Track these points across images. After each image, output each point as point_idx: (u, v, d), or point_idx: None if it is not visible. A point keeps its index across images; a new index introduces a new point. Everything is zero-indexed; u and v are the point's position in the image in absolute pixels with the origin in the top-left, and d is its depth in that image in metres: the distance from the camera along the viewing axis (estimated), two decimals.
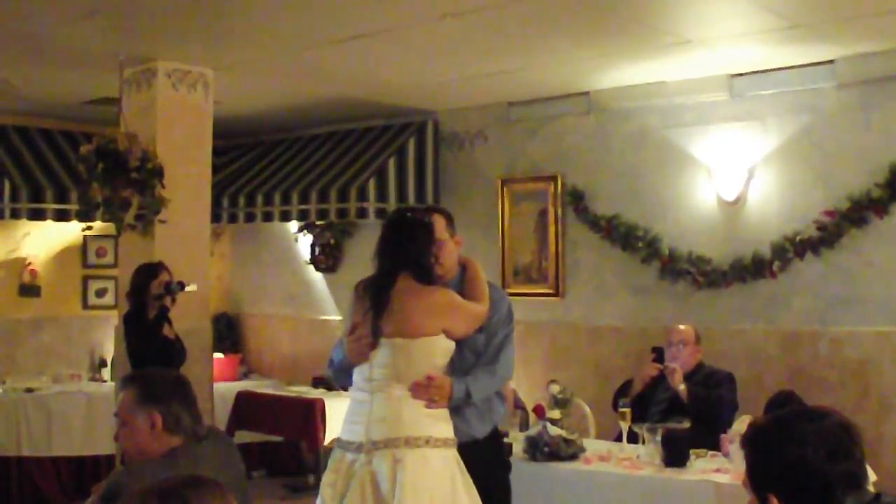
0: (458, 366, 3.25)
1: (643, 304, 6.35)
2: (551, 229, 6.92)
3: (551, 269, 6.93)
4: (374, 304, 3.15)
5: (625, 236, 6.53)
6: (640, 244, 6.41)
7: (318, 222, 7.84)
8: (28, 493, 6.71)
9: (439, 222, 3.37)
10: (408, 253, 3.18)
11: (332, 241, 8.31)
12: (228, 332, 8.74)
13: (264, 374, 8.46)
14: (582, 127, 6.62)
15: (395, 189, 7.10)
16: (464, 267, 3.41)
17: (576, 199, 6.76)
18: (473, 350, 3.32)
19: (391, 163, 7.06)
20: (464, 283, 3.33)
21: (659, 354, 5.06)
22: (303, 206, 7.19)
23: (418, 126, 7.11)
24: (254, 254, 8.82)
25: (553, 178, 6.91)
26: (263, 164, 7.91)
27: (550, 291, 6.95)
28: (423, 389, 3.10)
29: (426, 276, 3.20)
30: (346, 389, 3.28)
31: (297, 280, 8.54)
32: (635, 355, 6.03)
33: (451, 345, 3.20)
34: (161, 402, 2.54)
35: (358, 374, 3.18)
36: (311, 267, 8.38)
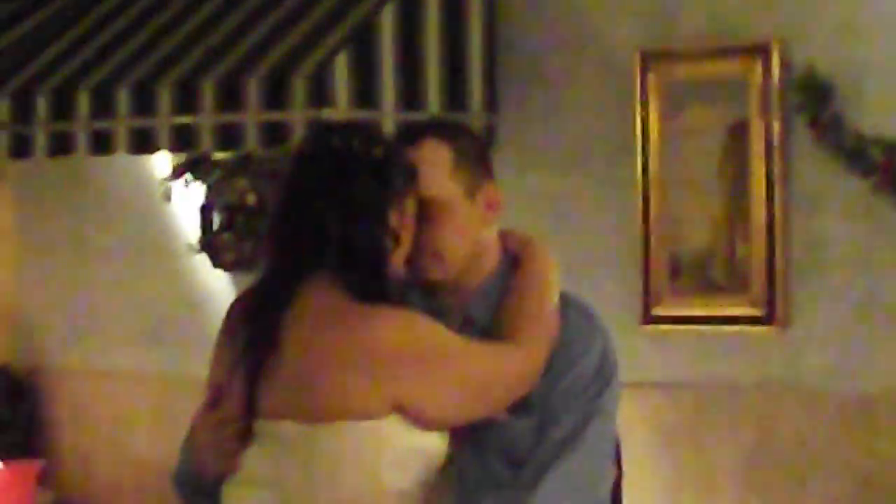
0: (470, 488, 2.81)
1: None
2: (757, 168, 5.68)
3: (757, 261, 5.68)
4: (250, 344, 2.69)
5: None
6: None
7: (219, 156, 6.96)
8: None
9: (434, 157, 2.79)
10: (326, 228, 2.65)
11: (249, 199, 7.06)
12: (12, 412, 7.88)
13: None
14: None
15: (395, 78, 5.90)
16: (515, 258, 2.90)
17: (816, 101, 5.51)
18: (507, 451, 2.77)
19: (386, 17, 5.93)
20: (506, 297, 2.83)
21: None
22: (184, 118, 6.15)
23: None
24: (69, 230, 7.80)
25: (761, 50, 5.69)
26: (91, 21, 6.88)
27: (756, 314, 5.69)
28: None
29: (369, 278, 2.68)
30: None
31: (172, 290, 7.45)
32: None
33: (424, 441, 2.70)
34: None
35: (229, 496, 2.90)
36: (205, 258, 7.19)
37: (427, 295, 2.88)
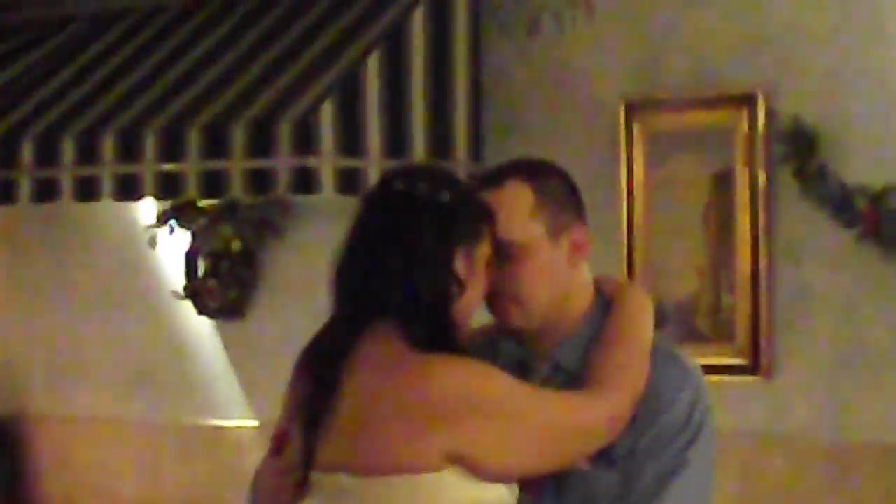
0: None
1: None
2: (742, 218, 5.71)
3: (742, 310, 5.69)
4: (312, 393, 2.68)
5: None
6: None
7: (204, 203, 6.93)
8: None
9: (514, 198, 2.71)
10: (387, 274, 2.62)
11: (234, 246, 7.00)
12: None
13: None
14: None
15: (380, 125, 5.85)
16: (609, 304, 2.83)
17: (801, 151, 5.50)
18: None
19: (372, 65, 5.91)
20: (595, 343, 2.76)
21: None
22: (170, 166, 6.11)
23: None
24: (53, 276, 7.75)
25: (747, 100, 5.69)
26: (76, 67, 6.87)
27: (741, 363, 5.68)
28: None
29: (430, 327, 2.60)
30: None
31: (156, 336, 7.36)
32: None
33: (486, 494, 2.61)
34: None
35: None
36: (189, 305, 7.17)
37: (520, 342, 2.83)
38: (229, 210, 6.92)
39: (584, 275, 2.79)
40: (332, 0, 6.33)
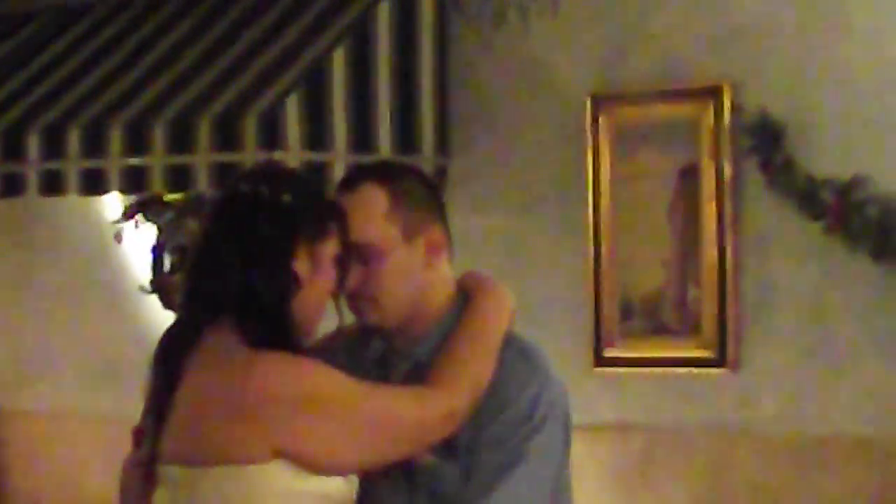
0: None
1: None
2: (708, 211, 5.72)
3: (708, 303, 5.71)
4: (157, 388, 2.76)
5: (879, 229, 5.33)
6: None
7: (170, 197, 6.85)
8: None
9: (368, 201, 2.78)
10: (226, 273, 2.66)
11: None
12: None
13: None
14: None
15: (346, 119, 5.85)
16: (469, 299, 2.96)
17: (766, 143, 5.52)
18: (436, 494, 2.74)
19: (337, 59, 5.89)
20: (447, 339, 2.83)
21: None
22: (136, 160, 6.09)
23: None
24: (19, 270, 7.73)
25: (713, 93, 5.72)
26: (42, 62, 6.83)
27: (708, 356, 5.69)
28: None
29: (264, 324, 2.66)
30: None
31: (123, 330, 7.26)
32: None
33: (317, 486, 2.65)
34: None
35: None
36: (155, 299, 7.08)
37: (384, 339, 2.84)
38: (195, 204, 6.84)
39: (442, 273, 2.82)
40: None
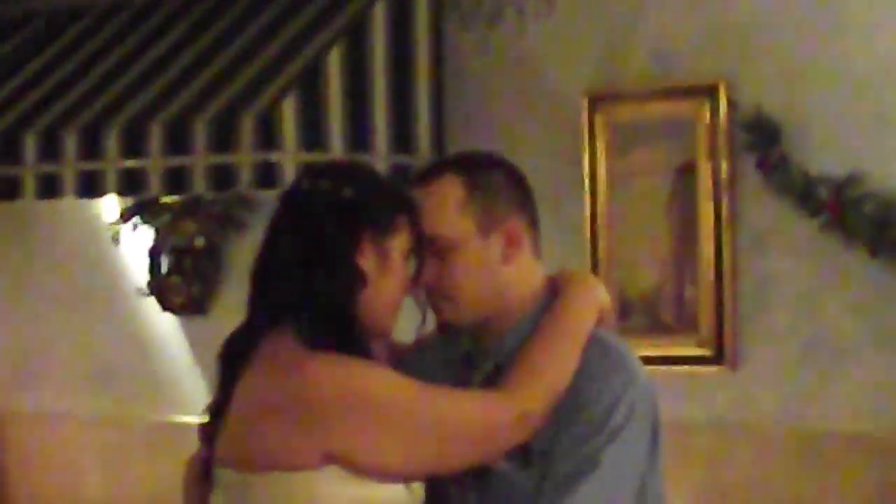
0: None
1: None
2: (705, 209, 5.70)
3: (705, 301, 5.69)
4: (216, 394, 2.77)
5: (875, 225, 5.30)
6: None
7: (167, 199, 6.90)
8: None
9: (443, 193, 2.68)
10: (288, 272, 2.63)
11: (198, 242, 7.02)
12: None
13: None
14: None
15: (342, 120, 5.83)
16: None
17: (762, 140, 5.51)
18: (509, 502, 2.68)
19: (333, 59, 5.88)
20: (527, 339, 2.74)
21: None
22: (133, 162, 6.08)
23: None
24: (16, 273, 7.75)
25: (709, 91, 5.68)
26: (37, 65, 6.79)
27: (705, 354, 5.69)
28: None
29: (321, 324, 2.60)
30: None
31: (121, 333, 7.32)
32: None
33: (370, 493, 2.60)
34: None
35: None
36: (153, 302, 7.16)
37: (471, 338, 2.76)
38: (193, 206, 6.92)
39: (525, 269, 2.69)
40: None
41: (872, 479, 5.20)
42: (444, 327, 2.73)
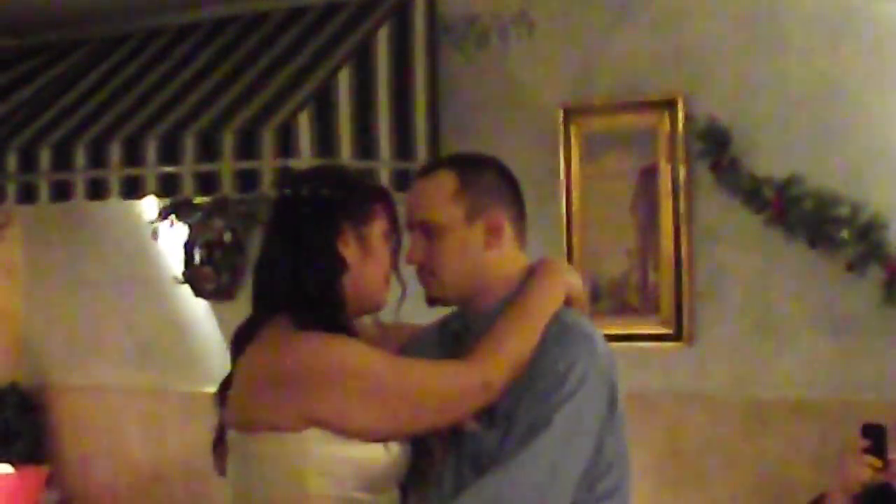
0: (445, 495, 2.72)
1: (850, 354, 5.44)
2: (665, 206, 5.87)
3: (666, 286, 5.86)
4: (228, 370, 2.87)
5: (814, 220, 5.45)
6: (845, 235, 5.39)
7: (199, 200, 7.09)
8: None
9: (437, 184, 2.77)
10: (281, 274, 2.74)
11: (225, 237, 7.27)
12: (22, 424, 7.95)
13: None
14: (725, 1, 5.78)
15: (351, 131, 5.99)
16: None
17: (715, 147, 5.69)
18: (477, 461, 2.68)
19: (343, 77, 6.06)
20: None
21: (877, 439, 3.72)
22: (169, 168, 6.20)
23: (397, 5, 6.32)
24: (70, 265, 7.99)
25: (668, 105, 5.85)
26: (87, 84, 7.04)
27: (665, 332, 5.87)
28: None
29: (313, 309, 2.70)
30: None
31: (159, 316, 7.64)
32: (834, 448, 5.16)
33: (352, 451, 2.67)
34: None
35: None
36: (187, 289, 7.42)
37: (461, 317, 2.83)
38: (221, 206, 7.09)
39: (506, 256, 2.77)
40: (307, 23, 6.43)
41: (812, 440, 5.28)
42: (431, 301, 2.80)
